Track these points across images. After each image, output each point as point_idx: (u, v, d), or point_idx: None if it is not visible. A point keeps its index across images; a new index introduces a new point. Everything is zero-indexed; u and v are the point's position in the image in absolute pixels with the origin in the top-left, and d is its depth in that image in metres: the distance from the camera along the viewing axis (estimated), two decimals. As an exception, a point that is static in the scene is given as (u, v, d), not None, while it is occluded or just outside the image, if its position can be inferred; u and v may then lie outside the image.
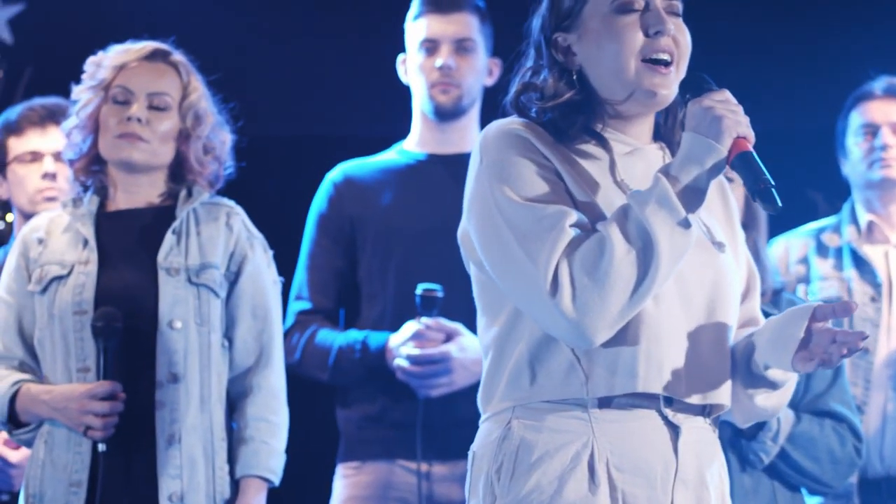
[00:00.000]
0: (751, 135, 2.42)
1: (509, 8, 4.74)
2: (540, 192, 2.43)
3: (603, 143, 2.54)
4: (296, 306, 4.11)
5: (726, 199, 2.66)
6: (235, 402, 3.57)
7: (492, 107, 4.19)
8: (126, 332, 3.45)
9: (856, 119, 4.50)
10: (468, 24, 4.16)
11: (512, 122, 2.53)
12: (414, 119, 4.25)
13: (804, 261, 4.45)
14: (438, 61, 4.13)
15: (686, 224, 2.37)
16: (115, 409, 3.40)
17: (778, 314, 2.55)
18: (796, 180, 4.74)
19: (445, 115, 4.17)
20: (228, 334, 3.57)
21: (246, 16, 5.47)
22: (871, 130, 4.45)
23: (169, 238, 3.54)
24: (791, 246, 4.46)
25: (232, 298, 3.58)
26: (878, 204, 4.47)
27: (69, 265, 3.54)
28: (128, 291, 3.50)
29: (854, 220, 4.49)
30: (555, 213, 2.39)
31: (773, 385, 2.55)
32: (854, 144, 4.48)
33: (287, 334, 4.03)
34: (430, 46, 4.17)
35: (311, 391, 4.13)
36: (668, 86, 2.51)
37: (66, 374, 3.49)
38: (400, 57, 4.28)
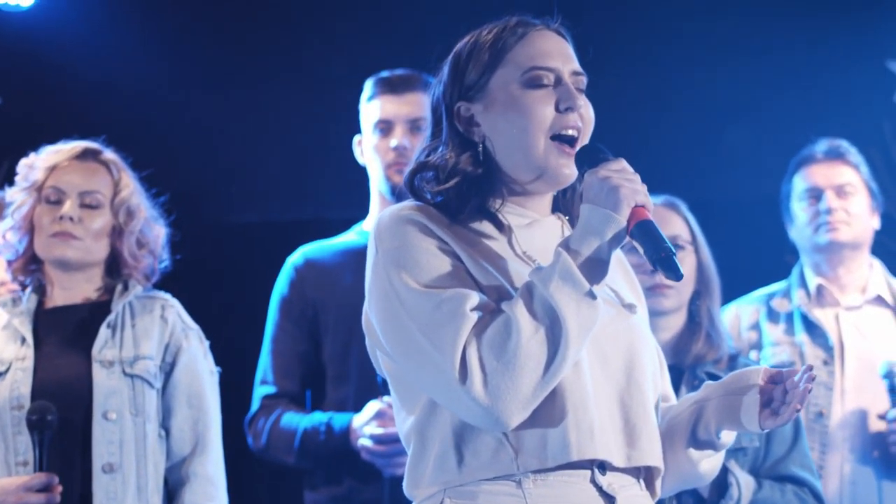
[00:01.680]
0: (649, 203, 2.42)
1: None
2: (438, 277, 2.41)
3: (498, 219, 2.53)
4: (261, 391, 4.15)
5: (624, 265, 2.68)
6: (173, 490, 3.66)
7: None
8: (61, 425, 3.53)
9: (799, 183, 4.57)
10: (421, 104, 4.23)
11: (404, 207, 2.51)
12: (372, 199, 4.31)
13: (755, 327, 4.49)
14: (393, 142, 4.20)
15: (591, 296, 2.36)
16: (51, 501, 3.47)
17: (711, 383, 2.59)
18: (746, 246, 4.80)
19: (402, 194, 4.19)
20: (165, 424, 3.65)
21: (201, 103, 5.53)
22: (815, 194, 4.53)
23: (104, 331, 3.63)
24: (742, 312, 4.51)
25: (168, 389, 3.66)
26: (827, 267, 4.54)
27: (7, 362, 3.63)
28: (62, 385, 3.59)
29: (803, 284, 4.54)
30: (454, 298, 2.37)
31: (718, 448, 2.58)
32: (799, 209, 4.55)
33: (253, 419, 4.08)
34: (385, 127, 4.24)
35: (278, 475, 4.15)
36: (571, 165, 2.52)
37: (5, 467, 3.58)
38: (356, 138, 4.35)
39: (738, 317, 4.48)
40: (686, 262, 3.78)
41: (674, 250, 2.37)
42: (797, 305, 4.50)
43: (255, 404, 4.13)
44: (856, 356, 4.38)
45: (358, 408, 4.02)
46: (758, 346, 4.45)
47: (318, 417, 4.05)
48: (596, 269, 2.38)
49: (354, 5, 5.76)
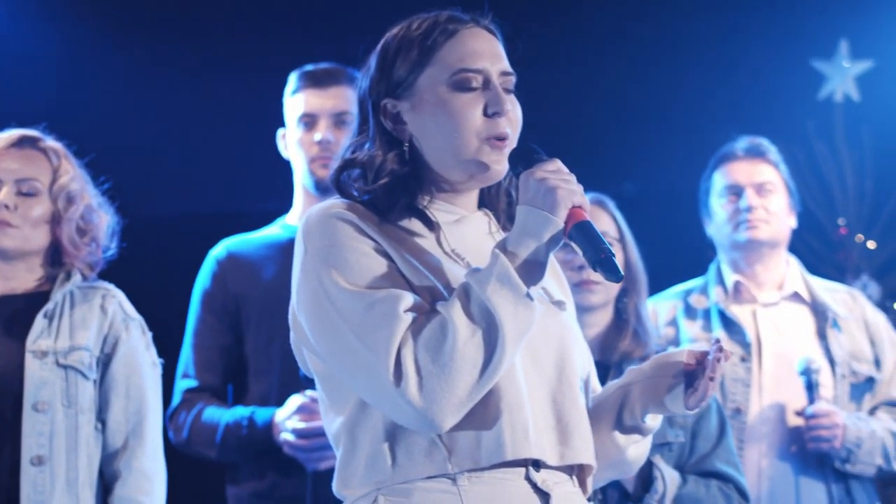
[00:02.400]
0: (586, 204, 2.41)
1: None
2: (369, 277, 2.38)
3: (427, 217, 2.52)
4: (182, 384, 4.14)
5: (551, 262, 2.61)
6: (109, 483, 3.63)
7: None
8: (-9, 415, 3.47)
9: (719, 180, 4.60)
10: (346, 98, 4.23)
11: (332, 205, 2.47)
12: (296, 193, 4.31)
13: (673, 323, 4.52)
14: (317, 136, 4.20)
15: (528, 299, 2.35)
16: None
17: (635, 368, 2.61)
18: (663, 241, 4.83)
19: (326, 188, 4.21)
20: (101, 416, 3.61)
21: (123, 96, 5.50)
22: (735, 191, 4.55)
23: (39, 321, 3.59)
24: (659, 309, 4.55)
25: (105, 380, 3.62)
26: (744, 264, 4.58)
27: None
28: None
29: (721, 280, 4.59)
30: (387, 298, 2.35)
31: (644, 433, 2.60)
32: (718, 206, 4.58)
33: (175, 413, 4.07)
34: (309, 121, 4.23)
35: (200, 469, 4.14)
36: (503, 161, 2.51)
37: None
38: (280, 132, 4.35)
39: (655, 313, 4.50)
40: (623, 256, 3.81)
41: (612, 251, 2.36)
42: (714, 302, 4.54)
43: (177, 398, 4.11)
44: (773, 352, 4.43)
45: (281, 402, 4.02)
46: (675, 342, 4.48)
47: (240, 412, 4.05)
48: (533, 271, 2.38)
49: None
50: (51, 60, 5.48)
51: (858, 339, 4.49)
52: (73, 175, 3.70)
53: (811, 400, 4.31)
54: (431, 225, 2.52)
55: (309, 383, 3.89)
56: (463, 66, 2.51)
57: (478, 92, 2.51)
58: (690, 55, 5.91)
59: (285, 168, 4.37)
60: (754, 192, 4.52)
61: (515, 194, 2.55)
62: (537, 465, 2.44)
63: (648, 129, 5.81)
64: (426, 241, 2.50)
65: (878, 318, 4.59)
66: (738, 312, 4.52)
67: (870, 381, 4.46)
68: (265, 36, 5.67)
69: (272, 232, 4.31)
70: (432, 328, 2.32)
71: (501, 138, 2.50)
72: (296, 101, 4.26)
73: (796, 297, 4.57)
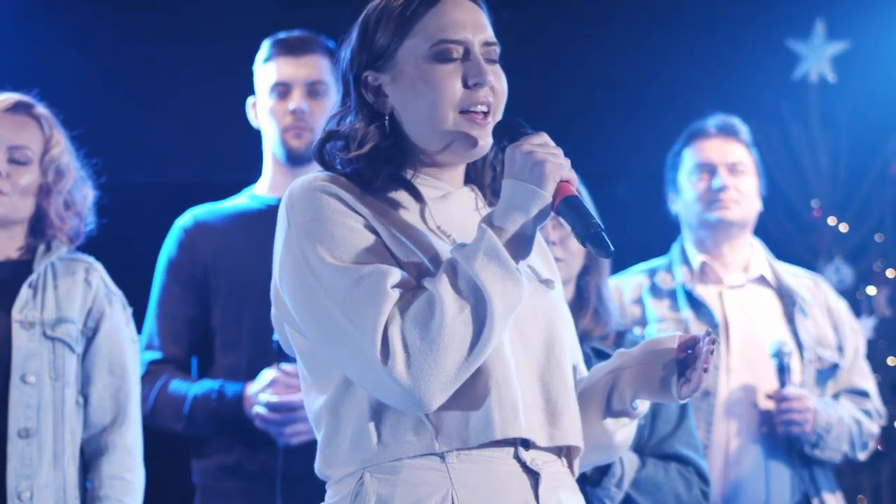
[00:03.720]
0: (573, 178, 2.39)
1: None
2: (355, 252, 2.36)
3: (413, 190, 2.51)
4: (146, 356, 4.12)
5: (537, 239, 2.57)
6: (90, 460, 3.60)
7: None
8: (-23, 386, 3.45)
9: (690, 157, 4.58)
10: (320, 67, 4.20)
11: (316, 178, 2.45)
12: (265, 163, 4.28)
13: (639, 301, 4.52)
14: (291, 105, 4.17)
15: (516, 274, 2.33)
16: None
17: (617, 350, 2.62)
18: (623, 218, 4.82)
19: (298, 159, 4.19)
20: (84, 391, 3.59)
21: (88, 63, 5.46)
22: (708, 170, 4.54)
23: (25, 291, 3.56)
24: (623, 286, 4.54)
25: (88, 355, 3.59)
26: (711, 244, 4.58)
27: None
28: None
29: (685, 260, 4.59)
30: (373, 274, 2.33)
31: (633, 417, 2.60)
32: (689, 183, 4.57)
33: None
34: (282, 90, 4.20)
35: (164, 442, 4.11)
36: (486, 136, 2.49)
37: None
38: (250, 100, 4.32)
39: (619, 290, 4.49)
40: (574, 238, 3.80)
41: (602, 226, 2.34)
42: (681, 282, 4.53)
43: (141, 369, 4.07)
44: (740, 334, 4.43)
45: (251, 376, 4.01)
46: (642, 321, 4.48)
47: (209, 384, 4.03)
48: (521, 245, 2.36)
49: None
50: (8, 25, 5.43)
51: (822, 325, 4.51)
52: (64, 147, 3.68)
53: (783, 383, 4.33)
54: (418, 197, 2.50)
55: (281, 357, 3.91)
56: (443, 36, 2.49)
57: (458, 63, 2.49)
58: (665, 33, 5.91)
59: (251, 137, 4.33)
60: (727, 172, 4.51)
61: (501, 169, 2.54)
62: (526, 444, 2.43)
63: (621, 107, 5.81)
64: (411, 215, 2.48)
65: (840, 305, 4.62)
66: (705, 293, 4.52)
67: (833, 368, 4.49)
68: (233, 2, 5.62)
69: (240, 202, 4.29)
70: (419, 304, 2.30)
71: (483, 112, 2.48)
72: (268, 69, 4.23)
73: (762, 280, 4.58)
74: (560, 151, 2.40)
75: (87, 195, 3.72)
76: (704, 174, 4.52)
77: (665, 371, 2.50)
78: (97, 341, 3.61)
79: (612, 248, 2.34)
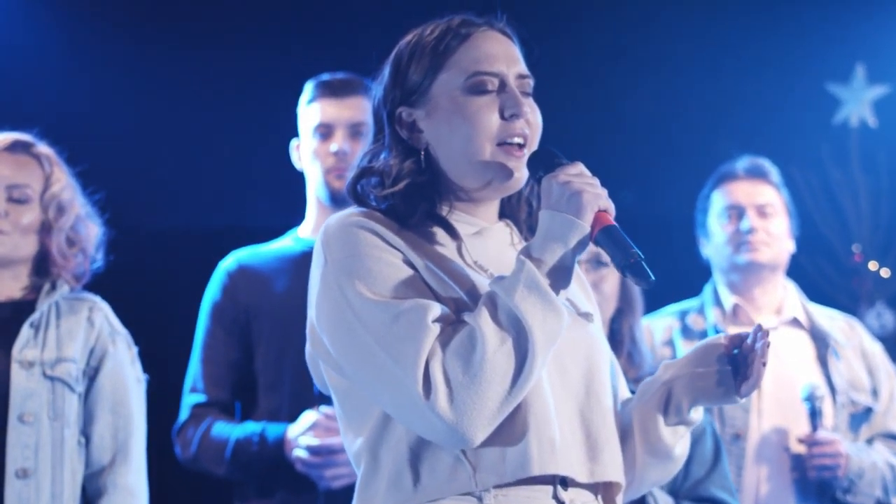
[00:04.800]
0: (611, 208, 2.39)
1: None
2: (393, 287, 2.35)
3: (448, 226, 2.50)
4: (191, 399, 4.13)
5: (577, 272, 2.59)
6: (91, 500, 3.65)
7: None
8: (-24, 426, 3.49)
9: (719, 200, 4.59)
10: (363, 108, 4.23)
11: (351, 214, 2.45)
12: (309, 205, 4.30)
13: (669, 343, 4.51)
14: (333, 146, 4.19)
15: (556, 306, 2.32)
16: None
17: (669, 362, 2.59)
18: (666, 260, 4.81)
19: (341, 200, 4.19)
20: (86, 431, 3.61)
21: (135, 105, 5.49)
22: (737, 212, 4.54)
23: (26, 331, 3.58)
24: (654, 328, 4.55)
25: (91, 394, 3.61)
26: (743, 287, 4.58)
27: None
28: None
29: (718, 302, 4.59)
30: (414, 309, 2.32)
31: (690, 425, 2.57)
32: (718, 226, 4.57)
33: (182, 428, 4.05)
34: (325, 131, 4.22)
35: (207, 485, 4.10)
36: (522, 168, 2.49)
37: None
38: (293, 142, 4.34)
39: (650, 332, 4.49)
40: (608, 280, 3.79)
41: (642, 255, 2.34)
42: (713, 324, 4.52)
43: (185, 413, 4.09)
44: (772, 377, 4.42)
45: (292, 418, 4.02)
46: (672, 362, 4.45)
47: (250, 427, 4.03)
48: (560, 277, 2.35)
49: (288, 7, 5.75)
50: (54, 66, 5.46)
51: (856, 369, 4.49)
52: (65, 184, 3.68)
53: (815, 427, 4.31)
54: (453, 233, 2.50)
55: (323, 399, 3.90)
56: (478, 68, 2.50)
57: (493, 95, 2.49)
58: (707, 77, 5.91)
59: (291, 181, 4.34)
60: (756, 214, 4.51)
61: (536, 204, 2.55)
62: (564, 483, 2.41)
63: (662, 150, 5.80)
64: (448, 250, 2.48)
65: (876, 348, 4.59)
66: (737, 335, 4.49)
67: (868, 412, 4.46)
68: (275, 44, 5.66)
69: (284, 244, 4.30)
70: (460, 338, 2.29)
71: (519, 144, 2.48)
72: (311, 110, 4.25)
73: (795, 322, 4.56)
74: (597, 181, 2.40)
75: (92, 232, 3.73)
76: (733, 216, 4.53)
77: (720, 373, 2.49)
78: (99, 380, 3.61)
79: (652, 277, 2.33)
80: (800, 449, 4.33)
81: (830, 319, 4.60)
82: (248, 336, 4.14)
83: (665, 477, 2.65)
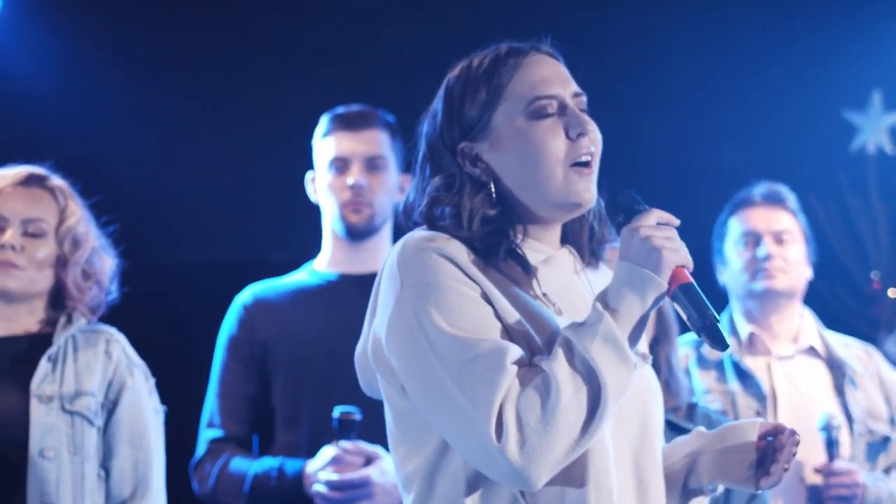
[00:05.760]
0: (689, 263, 2.40)
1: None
2: (471, 323, 2.36)
3: (520, 257, 2.50)
4: (208, 434, 4.14)
5: None
6: None
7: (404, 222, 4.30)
8: (-4, 462, 3.50)
9: (736, 227, 4.58)
10: (379, 142, 4.23)
11: (431, 238, 2.45)
12: (324, 238, 4.31)
13: (685, 372, 4.47)
14: (350, 180, 4.19)
15: (630, 361, 2.34)
16: None
17: (696, 428, 2.62)
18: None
19: (357, 234, 4.21)
20: (105, 464, 3.60)
21: (147, 140, 5.51)
22: (753, 239, 4.53)
23: (43, 365, 3.58)
24: None
25: (109, 427, 3.60)
26: (760, 314, 4.56)
27: None
28: None
29: (734, 331, 4.57)
30: (493, 350, 2.33)
31: (709, 495, 2.59)
32: (735, 253, 4.56)
33: (200, 463, 4.06)
34: (341, 165, 4.23)
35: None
36: (592, 187, 2.51)
37: None
38: (308, 175, 4.35)
39: None
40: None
41: (718, 318, 2.35)
42: (728, 353, 4.49)
43: (202, 448, 4.10)
44: (788, 406, 4.40)
45: (311, 453, 4.02)
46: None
47: (269, 462, 4.03)
48: (633, 331, 2.37)
49: (305, 40, 5.76)
50: (66, 97, 5.48)
51: (874, 397, 4.47)
52: (80, 217, 3.69)
53: (831, 457, 4.29)
54: (524, 264, 2.50)
55: (342, 434, 3.90)
56: (536, 94, 2.51)
57: (555, 118, 2.51)
58: (722, 103, 5.91)
59: (306, 215, 4.34)
60: (772, 241, 4.49)
61: (598, 228, 2.59)
62: None
63: (679, 177, 5.79)
64: (520, 283, 2.48)
65: (893, 376, 4.58)
66: (753, 364, 4.50)
67: (885, 441, 4.44)
68: (291, 77, 5.67)
69: (300, 278, 4.31)
70: (536, 384, 2.31)
71: (588, 164, 2.50)
72: (327, 144, 4.25)
73: (811, 351, 4.54)
74: (675, 234, 2.41)
75: (107, 265, 3.73)
76: (750, 243, 4.52)
77: (744, 461, 2.51)
78: (118, 413, 3.60)
79: (727, 342, 2.36)
80: (816, 479, 4.31)
81: (847, 348, 4.59)
82: (265, 370, 4.15)
83: None
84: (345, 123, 4.24)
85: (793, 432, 2.46)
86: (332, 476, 3.91)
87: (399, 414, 2.47)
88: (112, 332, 3.70)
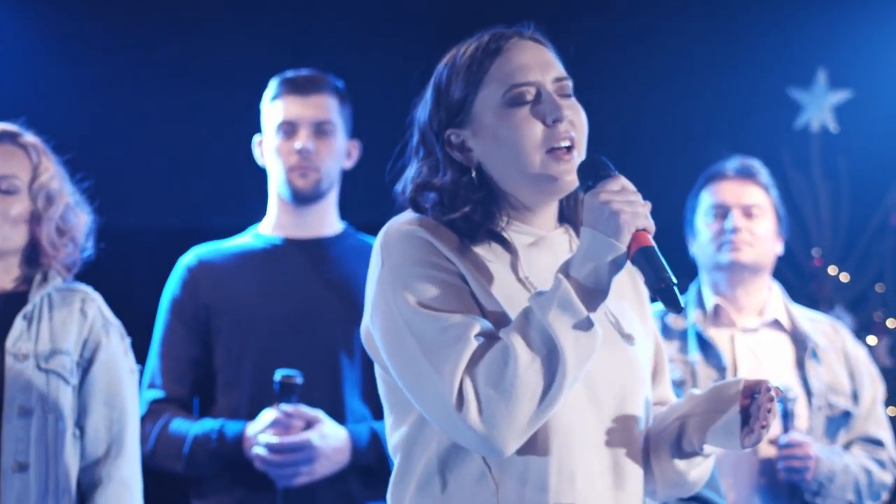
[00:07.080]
0: (651, 226, 2.42)
1: (372, 88, 4.86)
2: (444, 300, 2.44)
3: (504, 240, 2.55)
4: (148, 395, 4.13)
5: (635, 280, 2.69)
6: (86, 493, 3.61)
7: (350, 188, 4.29)
8: (-30, 420, 3.48)
9: (706, 199, 4.61)
10: (327, 107, 4.22)
11: (412, 221, 2.53)
12: (270, 202, 4.30)
13: None
14: (297, 144, 4.18)
15: (590, 325, 2.38)
16: None
17: (696, 393, 2.61)
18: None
19: (304, 199, 4.21)
20: (80, 423, 3.58)
21: (94, 102, 5.48)
22: (722, 212, 4.56)
23: (19, 323, 3.55)
24: None
25: (84, 386, 3.59)
26: (726, 286, 4.58)
27: None
28: None
29: (700, 302, 4.60)
30: (459, 324, 2.40)
31: (706, 456, 2.61)
32: (703, 225, 4.59)
33: (139, 424, 4.01)
34: (288, 129, 4.22)
35: (164, 482, 4.09)
36: (572, 171, 2.52)
37: None
38: (256, 138, 4.33)
39: None
40: None
41: (675, 280, 2.38)
42: (692, 323, 4.53)
43: (143, 408, 4.07)
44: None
45: (251, 416, 4.03)
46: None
47: (209, 424, 4.03)
48: (594, 296, 2.40)
49: (250, 2, 5.74)
50: (38, 56, 5.44)
51: (837, 372, 4.49)
52: (53, 173, 3.67)
53: (785, 429, 4.32)
54: (508, 247, 2.56)
55: (282, 397, 3.91)
56: (513, 81, 2.55)
57: (532, 104, 2.55)
58: (666, 80, 5.93)
59: (249, 180, 4.33)
60: (741, 214, 4.52)
61: None
62: None
63: (620, 152, 5.80)
64: (501, 266, 2.54)
65: (859, 352, 4.61)
66: (716, 336, 4.52)
67: (846, 416, 4.46)
68: (240, 40, 5.64)
69: (245, 241, 4.30)
70: (494, 354, 2.38)
71: (567, 147, 2.53)
72: (275, 107, 4.24)
73: (776, 324, 4.57)
74: (638, 198, 2.43)
75: (82, 220, 3.72)
76: (718, 215, 4.54)
77: (729, 420, 2.51)
78: (93, 372, 3.60)
79: (682, 304, 2.38)
80: (770, 451, 4.35)
81: (813, 322, 4.62)
82: (207, 332, 4.15)
83: (684, 493, 2.70)
84: (294, 87, 4.23)
85: (768, 388, 2.48)
86: (273, 439, 3.92)
87: (388, 390, 2.56)
88: (88, 290, 3.69)
